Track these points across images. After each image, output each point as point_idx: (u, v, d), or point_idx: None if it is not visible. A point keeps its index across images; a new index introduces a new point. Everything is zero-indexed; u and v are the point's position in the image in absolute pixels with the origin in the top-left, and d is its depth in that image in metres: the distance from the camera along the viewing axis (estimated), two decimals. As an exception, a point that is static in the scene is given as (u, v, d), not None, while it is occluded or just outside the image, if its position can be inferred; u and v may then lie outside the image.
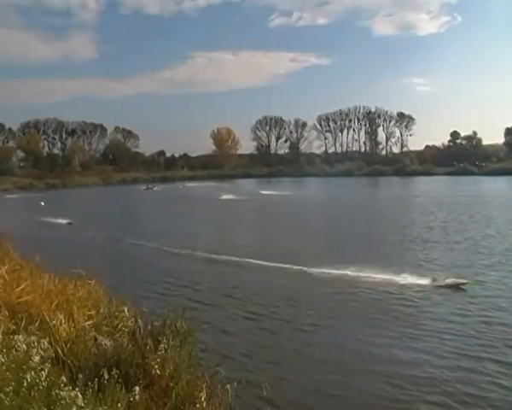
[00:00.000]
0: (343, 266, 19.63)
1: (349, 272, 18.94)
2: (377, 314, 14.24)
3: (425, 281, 17.40)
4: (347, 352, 11.48)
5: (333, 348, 11.74)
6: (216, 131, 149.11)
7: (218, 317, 14.22)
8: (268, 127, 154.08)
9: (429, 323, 13.53)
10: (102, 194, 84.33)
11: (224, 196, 63.00)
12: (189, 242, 27.09)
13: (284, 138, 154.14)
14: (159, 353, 6.18)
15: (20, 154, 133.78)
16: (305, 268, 19.94)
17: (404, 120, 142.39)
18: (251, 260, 22.04)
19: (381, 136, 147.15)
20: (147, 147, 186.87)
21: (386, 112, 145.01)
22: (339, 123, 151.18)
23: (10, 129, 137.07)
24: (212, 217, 41.91)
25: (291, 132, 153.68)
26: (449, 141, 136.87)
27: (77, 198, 78.14)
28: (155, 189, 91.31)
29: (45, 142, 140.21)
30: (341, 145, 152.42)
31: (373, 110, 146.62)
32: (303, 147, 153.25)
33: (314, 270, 19.70)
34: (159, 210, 47.99)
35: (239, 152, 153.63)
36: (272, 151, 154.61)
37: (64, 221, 40.38)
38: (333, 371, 10.49)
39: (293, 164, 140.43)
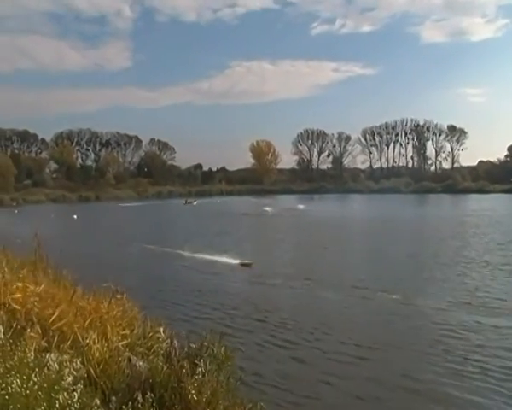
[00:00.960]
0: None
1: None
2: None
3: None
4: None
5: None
6: (255, 144, 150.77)
7: (263, 344, 13.84)
8: (310, 141, 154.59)
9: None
10: (140, 209, 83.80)
11: (267, 210, 64.16)
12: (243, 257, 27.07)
13: (327, 153, 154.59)
14: (195, 377, 6.06)
15: (53, 165, 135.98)
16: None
17: (456, 133, 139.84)
18: (310, 281, 21.40)
19: (430, 150, 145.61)
20: (183, 160, 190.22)
21: (436, 125, 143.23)
22: (385, 137, 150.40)
23: (43, 140, 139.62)
24: (260, 233, 42.22)
25: (334, 146, 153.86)
26: (506, 156, 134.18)
27: (113, 213, 77.97)
28: (195, 203, 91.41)
29: (79, 153, 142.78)
30: (387, 160, 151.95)
31: (421, 123, 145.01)
32: (346, 162, 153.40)
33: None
34: (204, 226, 47.88)
35: (279, 166, 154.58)
36: (314, 166, 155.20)
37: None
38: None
39: (336, 180, 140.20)
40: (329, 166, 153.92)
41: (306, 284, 20.87)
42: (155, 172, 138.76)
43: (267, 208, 69.62)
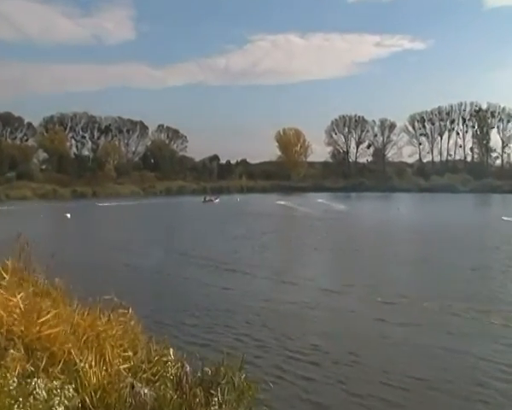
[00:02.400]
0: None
1: None
2: None
3: None
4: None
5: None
6: (282, 132, 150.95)
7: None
8: (346, 129, 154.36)
9: None
10: (150, 208, 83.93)
11: (301, 209, 65.13)
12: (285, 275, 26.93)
13: (367, 143, 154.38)
14: (211, 408, 6.05)
15: (42, 154, 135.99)
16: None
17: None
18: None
19: (495, 140, 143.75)
20: (196, 150, 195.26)
21: (503, 109, 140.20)
22: (437, 124, 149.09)
23: (30, 124, 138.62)
24: (307, 242, 41.37)
25: (375, 136, 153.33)
26: None
27: (117, 213, 77.62)
28: (216, 201, 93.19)
29: (73, 141, 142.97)
30: (440, 153, 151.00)
31: (484, 107, 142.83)
32: (390, 154, 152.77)
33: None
34: (231, 232, 47.38)
35: (309, 159, 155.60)
36: (351, 159, 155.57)
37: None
38: None
39: (378, 176, 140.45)
40: (370, 159, 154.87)
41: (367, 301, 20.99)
42: (164, 165, 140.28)
43: (300, 207, 70.32)
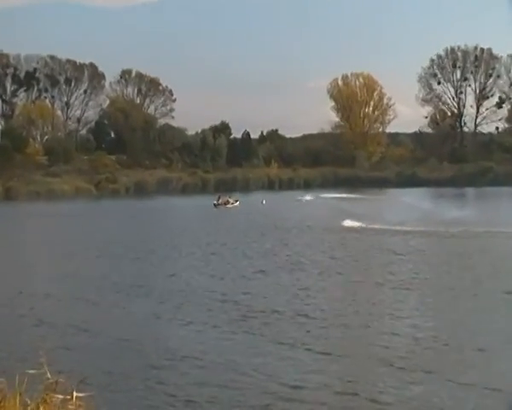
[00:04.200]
0: None
1: None
2: None
3: None
4: None
5: None
6: (340, 82, 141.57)
7: None
8: (458, 72, 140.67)
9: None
10: (108, 224, 68.71)
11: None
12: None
13: (497, 99, 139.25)
14: None
15: None
16: None
17: None
18: None
19: None
20: (191, 117, 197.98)
21: None
22: None
23: None
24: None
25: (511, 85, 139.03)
26: None
27: (41, 233, 64.11)
28: (235, 204, 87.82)
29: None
30: None
31: None
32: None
33: None
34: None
35: (391, 130, 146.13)
36: (468, 128, 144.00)
37: None
38: None
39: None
40: (502, 126, 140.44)
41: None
42: (133, 142, 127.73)
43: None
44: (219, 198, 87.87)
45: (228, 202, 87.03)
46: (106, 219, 73.77)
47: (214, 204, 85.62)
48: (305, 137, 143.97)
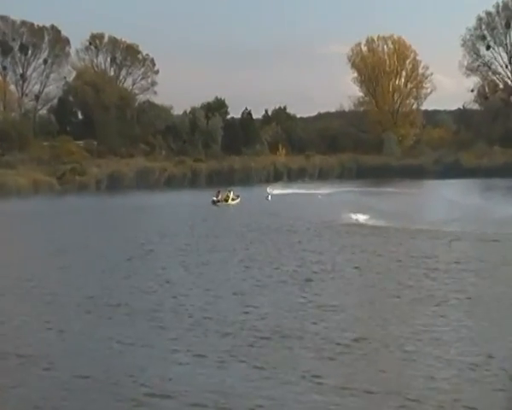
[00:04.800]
0: None
1: None
2: None
3: None
4: None
5: None
6: (364, 47, 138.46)
7: None
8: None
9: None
10: (79, 227, 62.22)
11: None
12: None
13: None
14: None
15: None
16: None
17: None
18: None
19: None
20: (177, 93, 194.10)
21: None
22: None
23: None
24: None
25: None
26: None
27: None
28: (236, 200, 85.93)
29: None
30: None
31: None
32: None
33: None
34: None
35: (429, 106, 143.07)
36: None
37: None
38: None
39: None
40: None
41: None
42: (105, 125, 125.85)
43: None
44: (219, 193, 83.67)
45: (228, 198, 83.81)
46: (70, 220, 67.24)
47: (213, 201, 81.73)
48: (321, 117, 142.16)
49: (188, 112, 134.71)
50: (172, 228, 60.42)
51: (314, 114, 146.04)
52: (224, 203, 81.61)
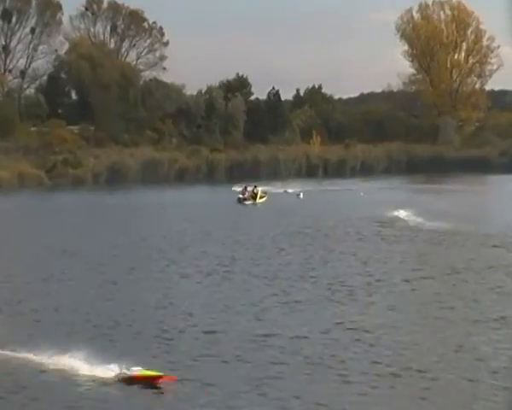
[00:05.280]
0: None
1: None
2: None
3: None
4: None
5: None
6: (416, 15, 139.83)
7: None
8: None
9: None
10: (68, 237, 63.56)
11: None
12: None
13: None
14: None
15: None
16: None
17: None
18: None
19: None
20: (191, 71, 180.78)
21: None
22: None
23: None
24: None
25: None
26: None
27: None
28: (263, 198, 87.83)
29: None
30: None
31: None
32: None
33: None
34: None
35: (495, 86, 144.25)
36: None
37: None
38: None
39: None
40: None
41: None
42: (104, 107, 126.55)
43: None
44: (245, 190, 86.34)
45: (256, 196, 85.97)
46: (61, 221, 71.53)
47: (239, 199, 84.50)
48: (363, 98, 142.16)
49: (203, 92, 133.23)
50: (193, 238, 60.27)
51: (355, 95, 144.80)
52: (251, 201, 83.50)
